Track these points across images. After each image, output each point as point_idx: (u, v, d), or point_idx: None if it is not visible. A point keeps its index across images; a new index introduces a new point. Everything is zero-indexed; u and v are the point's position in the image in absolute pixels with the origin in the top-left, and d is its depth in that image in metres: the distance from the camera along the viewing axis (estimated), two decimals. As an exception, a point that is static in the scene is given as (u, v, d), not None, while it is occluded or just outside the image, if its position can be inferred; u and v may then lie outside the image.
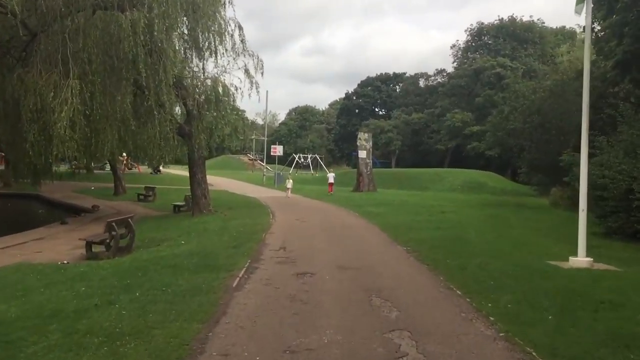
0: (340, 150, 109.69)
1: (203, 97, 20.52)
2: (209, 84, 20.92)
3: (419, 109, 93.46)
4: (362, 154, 40.89)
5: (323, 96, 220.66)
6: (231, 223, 18.94)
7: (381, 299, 8.28)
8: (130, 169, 62.97)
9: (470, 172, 54.18)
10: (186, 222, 20.00)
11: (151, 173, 63.82)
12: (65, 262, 12.84)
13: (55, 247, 16.09)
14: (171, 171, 79.63)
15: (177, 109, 23.27)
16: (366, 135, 42.53)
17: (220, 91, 21.17)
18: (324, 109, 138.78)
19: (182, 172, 76.64)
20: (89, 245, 13.99)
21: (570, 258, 11.64)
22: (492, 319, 7.29)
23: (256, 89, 21.81)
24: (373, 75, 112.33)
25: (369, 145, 41.66)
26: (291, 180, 38.72)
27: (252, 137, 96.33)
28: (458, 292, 8.88)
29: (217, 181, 51.83)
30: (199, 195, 22.48)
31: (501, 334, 6.63)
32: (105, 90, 19.20)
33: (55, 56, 18.73)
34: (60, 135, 17.63)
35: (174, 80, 19.63)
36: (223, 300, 8.14)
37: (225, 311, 7.52)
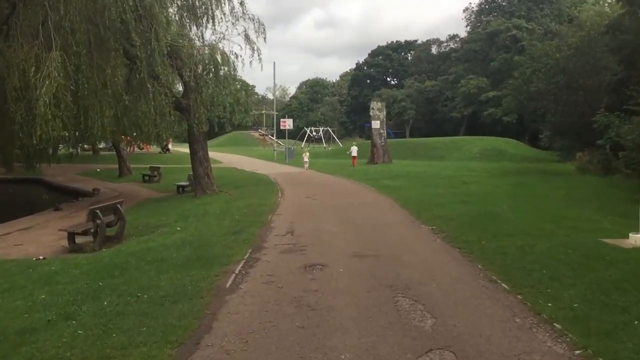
0: (353, 122, 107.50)
1: (200, 66, 18.59)
2: (206, 52, 18.97)
3: (432, 76, 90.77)
4: (376, 124, 38.90)
5: (336, 69, 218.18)
6: (235, 204, 17.28)
7: (409, 300, 6.58)
8: (141, 149, 61.58)
9: (488, 139, 52.00)
10: (187, 205, 18.37)
11: (160, 152, 62.42)
12: (41, 257, 11.26)
13: (39, 237, 14.52)
14: (181, 149, 78.25)
15: (178, 84, 21.45)
16: (379, 104, 40.43)
17: (219, 59, 19.26)
18: (335, 81, 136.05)
19: None
20: (71, 236, 12.39)
21: (630, 235, 9.77)
22: (558, 326, 5.57)
23: (258, 55, 19.87)
24: (384, 44, 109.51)
25: (383, 114, 39.61)
26: (308, 153, 37.87)
27: (263, 111, 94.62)
28: (504, 285, 7.15)
29: (226, 158, 50.30)
30: (201, 174, 20.79)
31: (578, 353, 4.91)
32: (93, 62, 17.38)
33: (36, 27, 17.04)
34: (42, 114, 15.96)
35: (168, 49, 17.80)
36: (211, 308, 6.49)
37: (211, 326, 5.86)
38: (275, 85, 42.24)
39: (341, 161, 44.41)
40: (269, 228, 12.41)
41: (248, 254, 9.47)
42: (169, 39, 17.70)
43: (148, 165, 36.55)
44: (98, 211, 12.26)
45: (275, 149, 48.95)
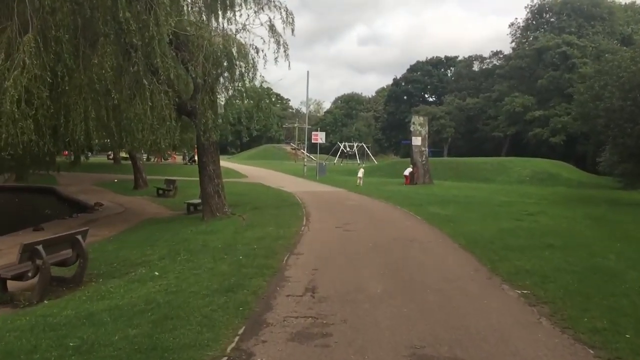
0: (388, 139, 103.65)
1: (211, 60, 14.95)
2: (219, 42, 15.35)
3: (473, 93, 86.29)
4: (417, 140, 34.88)
5: (375, 85, 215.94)
6: (246, 234, 13.53)
7: None
8: (166, 159, 58.63)
9: (538, 161, 47.36)
10: (187, 232, 14.68)
11: (185, 163, 59.22)
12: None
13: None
14: None
15: (190, 84, 17.88)
16: (421, 119, 36.41)
17: (234, 53, 15.67)
18: (370, 96, 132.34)
19: (223, 162, 71.72)
20: (1, 282, 8.77)
21: None
22: None
23: (285, 51, 16.20)
24: (421, 59, 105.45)
25: (425, 131, 35.60)
26: (363, 170, 36.38)
27: (295, 124, 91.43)
28: None
29: (254, 172, 46.92)
30: (210, 193, 17.19)
31: None
32: (77, 50, 14.07)
33: (10, 5, 13.84)
34: (9, 112, 12.64)
35: (170, 37, 14.31)
36: None
37: None
38: (308, 96, 38.76)
39: (376, 179, 40.49)
40: (281, 280, 8.60)
41: (235, 342, 5.68)
42: (173, 24, 14.23)
43: (168, 178, 33.24)
44: (39, 247, 8.59)
45: (305, 164, 45.12)
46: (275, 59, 16.25)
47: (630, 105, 24.19)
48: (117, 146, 25.49)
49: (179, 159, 63.26)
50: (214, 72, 15.35)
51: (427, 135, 35.81)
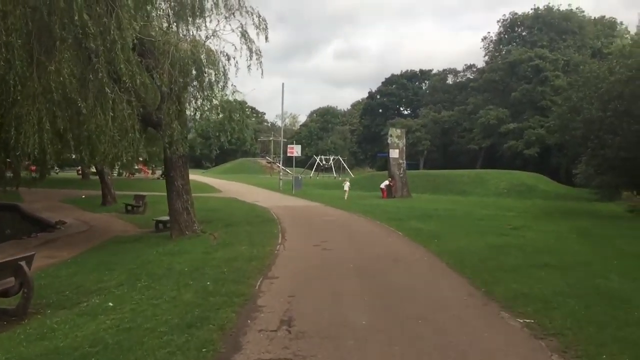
0: (364, 152, 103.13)
1: (178, 67, 13.90)
2: (187, 48, 14.32)
3: (448, 106, 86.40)
4: (394, 153, 34.16)
5: (353, 99, 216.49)
6: (216, 255, 12.44)
7: None
8: (133, 174, 56.79)
9: (514, 174, 47.09)
10: (151, 253, 13.53)
11: (159, 177, 56.67)
12: None
13: None
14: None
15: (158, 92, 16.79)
16: (398, 131, 35.74)
17: (203, 60, 14.68)
18: (346, 109, 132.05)
19: (197, 176, 69.63)
20: None
21: None
22: None
23: (257, 59, 15.27)
24: (398, 73, 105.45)
25: (402, 143, 34.93)
26: (348, 183, 36.48)
27: (271, 138, 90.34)
28: None
29: (228, 187, 45.59)
30: (178, 209, 16.07)
31: None
32: (31, 56, 12.93)
33: (-45, 9, 12.68)
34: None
35: (135, 42, 13.26)
36: None
37: None
38: (283, 109, 37.56)
39: (353, 193, 39.65)
40: (253, 310, 7.56)
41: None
42: (137, 28, 13.19)
43: (138, 193, 31.80)
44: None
45: (281, 177, 44.01)
46: (248, 66, 15.33)
47: (610, 116, 23.79)
48: (78, 160, 24.10)
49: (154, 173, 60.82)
50: (181, 80, 14.27)
51: (404, 148, 35.12)
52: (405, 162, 35.40)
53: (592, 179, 35.11)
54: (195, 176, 68.59)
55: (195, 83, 15.10)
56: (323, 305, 7.85)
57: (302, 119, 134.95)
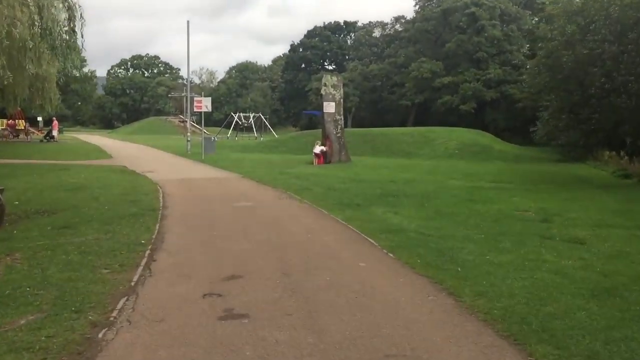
0: (286, 110, 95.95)
1: None
2: None
3: (376, 61, 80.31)
4: (330, 107, 27.16)
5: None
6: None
7: None
8: (27, 134, 46.57)
9: (463, 131, 41.53)
10: None
11: (42, 140, 46.16)
12: None
13: None
14: (80, 136, 62.02)
15: None
16: (334, 79, 28.53)
17: None
18: (266, 65, 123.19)
19: (94, 137, 58.94)
20: None
21: None
22: None
23: None
24: (321, 24, 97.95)
25: (340, 94, 27.93)
26: (318, 147, 27.16)
27: (183, 94, 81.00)
28: None
29: (124, 150, 36.47)
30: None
31: None
32: None
33: None
34: None
35: None
36: None
37: None
38: (189, 53, 29.52)
39: (278, 156, 32.51)
40: None
41: None
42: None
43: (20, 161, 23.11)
44: None
45: (188, 139, 35.96)
46: None
47: (630, 51, 17.68)
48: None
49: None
50: None
51: (342, 100, 28.18)
52: (342, 118, 28.51)
53: (557, 137, 30.08)
54: (92, 137, 59.04)
55: None
56: None
57: (221, 75, 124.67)
